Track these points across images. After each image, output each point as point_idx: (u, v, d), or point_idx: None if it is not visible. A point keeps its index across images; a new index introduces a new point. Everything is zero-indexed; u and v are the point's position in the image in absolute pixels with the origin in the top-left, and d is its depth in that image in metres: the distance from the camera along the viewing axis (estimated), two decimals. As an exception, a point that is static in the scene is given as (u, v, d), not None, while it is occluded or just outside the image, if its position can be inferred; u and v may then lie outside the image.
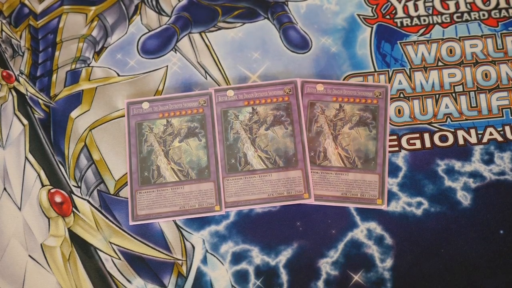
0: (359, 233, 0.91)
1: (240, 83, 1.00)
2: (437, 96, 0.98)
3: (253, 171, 0.93)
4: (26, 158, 0.97)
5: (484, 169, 0.94)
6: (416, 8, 1.04)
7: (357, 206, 0.92)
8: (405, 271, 0.89)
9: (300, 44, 1.03)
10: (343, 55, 1.01)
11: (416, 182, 0.93)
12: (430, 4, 1.04)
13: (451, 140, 0.96)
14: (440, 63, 1.00)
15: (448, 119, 0.97)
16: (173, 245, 0.92)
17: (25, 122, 0.99)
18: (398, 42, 1.02)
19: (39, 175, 0.96)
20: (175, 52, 1.03)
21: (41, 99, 1.01)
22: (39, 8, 1.06)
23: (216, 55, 1.03)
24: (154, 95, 1.00)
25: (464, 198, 0.92)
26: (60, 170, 0.97)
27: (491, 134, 0.96)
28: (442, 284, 0.88)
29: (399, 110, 0.98)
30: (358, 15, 1.04)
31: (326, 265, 0.90)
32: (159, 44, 1.04)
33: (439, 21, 1.03)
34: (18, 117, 1.00)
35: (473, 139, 0.96)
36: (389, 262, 0.90)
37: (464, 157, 0.95)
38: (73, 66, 1.02)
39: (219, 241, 0.92)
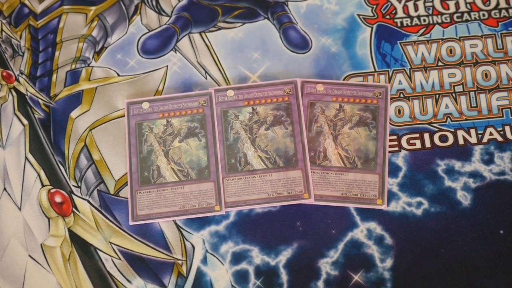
0: (359, 233, 0.91)
1: (240, 83, 1.00)
2: (437, 96, 0.98)
3: (253, 171, 0.93)
4: (26, 158, 0.97)
5: (484, 169, 0.94)
6: (416, 8, 1.04)
7: (357, 206, 0.92)
8: (405, 271, 0.89)
9: (300, 44, 1.03)
10: (343, 55, 1.01)
11: (416, 182, 0.93)
12: (430, 4, 1.04)
13: (451, 140, 0.96)
14: (440, 63, 1.00)
15: (448, 119, 0.97)
16: (173, 245, 0.92)
17: (25, 122, 0.99)
18: (398, 42, 1.02)
19: (39, 175, 0.96)
20: (175, 52, 1.03)
21: (41, 99, 1.01)
22: (39, 8, 1.06)
23: (216, 55, 1.03)
24: (154, 95, 1.00)
25: (464, 198, 0.92)
26: (60, 170, 0.97)
27: (491, 134, 0.96)
28: (442, 284, 0.88)
29: (399, 110, 0.98)
30: (358, 15, 1.04)
31: (326, 265, 0.90)
32: (159, 44, 1.04)
33: (439, 21, 1.03)
34: (18, 117, 1.00)
35: (473, 139, 0.96)
36: (389, 262, 0.90)
37: (464, 157, 0.95)
38: (73, 66, 1.02)
39: (219, 241, 0.92)
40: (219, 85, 1.00)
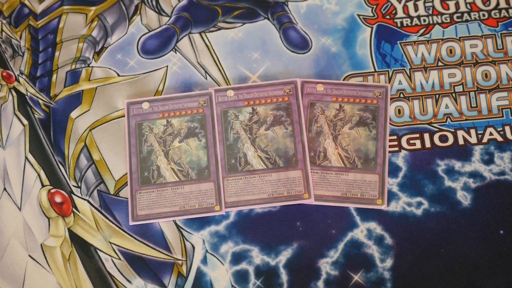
0: (359, 233, 0.91)
1: (240, 83, 1.00)
2: (437, 96, 0.98)
3: (253, 171, 0.93)
4: (26, 158, 0.97)
5: (484, 169, 0.94)
6: (416, 8, 1.04)
7: (357, 206, 0.92)
8: (405, 271, 0.89)
9: (300, 44, 1.03)
10: (343, 55, 1.01)
11: (416, 182, 0.93)
12: (430, 4, 1.04)
13: (451, 140, 0.96)
14: (440, 63, 1.00)
15: (448, 119, 0.97)
16: (173, 245, 0.92)
17: (25, 122, 0.99)
18: (398, 42, 1.02)
19: (39, 175, 0.96)
20: (175, 52, 1.03)
21: (41, 99, 1.01)
22: (39, 8, 1.06)
23: (216, 55, 1.03)
24: (154, 95, 1.00)
25: (464, 198, 0.92)
26: (60, 170, 0.97)
27: (491, 134, 0.96)
28: (442, 284, 0.88)
29: (399, 110, 0.98)
30: (358, 15, 1.04)
31: (326, 265, 0.90)
32: (159, 44, 1.04)
33: (439, 21, 1.03)
34: (18, 117, 1.00)
35: (473, 139, 0.96)
36: (389, 262, 0.90)
37: (464, 157, 0.95)
38: (73, 66, 1.02)
39: (219, 241, 0.92)
40: (219, 85, 1.00)
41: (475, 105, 0.98)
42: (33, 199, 0.95)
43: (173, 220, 0.93)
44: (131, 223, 0.92)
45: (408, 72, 1.00)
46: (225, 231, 0.92)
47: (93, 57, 1.03)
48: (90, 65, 1.03)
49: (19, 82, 1.02)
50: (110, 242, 0.92)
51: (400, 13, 1.04)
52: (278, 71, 1.01)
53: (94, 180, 0.96)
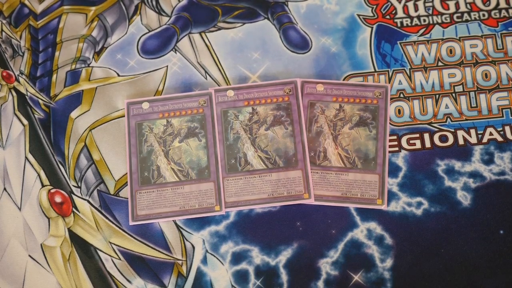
0: (359, 233, 0.91)
1: (240, 83, 1.00)
2: (437, 96, 0.98)
3: (253, 171, 0.93)
4: (26, 158, 0.97)
5: (484, 169, 0.94)
6: (416, 8, 1.04)
7: (357, 206, 0.92)
8: (405, 271, 0.89)
9: (300, 44, 1.03)
10: (343, 55, 1.01)
11: (416, 182, 0.93)
12: (430, 4, 1.04)
13: (451, 140, 0.96)
14: (440, 63, 1.00)
15: (448, 119, 0.97)
16: (173, 245, 0.92)
17: (25, 122, 0.99)
18: (398, 42, 1.02)
19: (39, 175, 0.96)
20: (175, 52, 1.03)
21: (41, 99, 1.01)
22: (39, 8, 1.06)
23: (216, 55, 1.03)
24: (154, 95, 1.00)
25: (464, 198, 0.92)
26: (60, 170, 0.97)
27: (491, 134, 0.96)
28: (442, 284, 0.88)
29: (399, 110, 0.98)
30: (358, 15, 1.04)
31: (326, 265, 0.90)
32: (159, 44, 1.04)
33: (439, 21, 1.03)
34: (18, 117, 1.00)
35: (473, 139, 0.96)
36: (389, 262, 0.90)
37: (464, 157, 0.95)
38: (73, 66, 1.02)
39: (219, 241, 0.92)
40: (219, 85, 1.00)
41: (475, 105, 0.98)
42: (33, 199, 0.95)
43: (173, 220, 0.93)
44: (131, 223, 0.92)
45: (408, 72, 1.00)
46: (225, 231, 0.92)
47: (93, 57, 1.03)
48: (90, 65, 1.03)
49: (19, 82, 1.02)
50: (110, 242, 0.92)
51: (400, 13, 1.04)
52: (278, 71, 1.01)
53: (94, 180, 0.96)
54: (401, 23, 1.03)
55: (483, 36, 1.02)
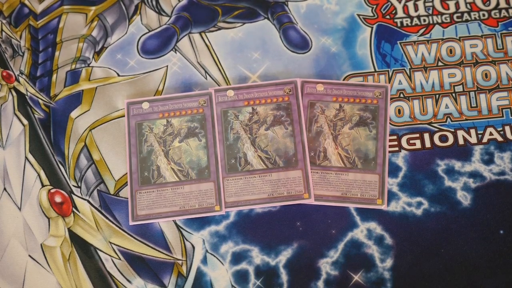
0: (359, 233, 0.91)
1: (240, 83, 1.00)
2: (437, 96, 0.98)
3: (253, 171, 0.93)
4: (26, 158, 0.97)
5: (484, 169, 0.94)
6: (416, 8, 1.04)
7: (357, 206, 0.92)
8: (405, 271, 0.89)
9: (300, 44, 1.03)
10: (343, 55, 1.01)
11: (416, 182, 0.93)
12: (430, 4, 1.04)
13: (451, 140, 0.96)
14: (440, 63, 1.00)
15: (448, 119, 0.97)
16: (173, 245, 0.92)
17: (25, 122, 0.99)
18: (398, 42, 1.02)
19: (39, 175, 0.96)
20: (175, 52, 1.03)
21: (41, 99, 1.01)
22: (39, 8, 1.06)
23: (216, 55, 1.03)
24: (154, 95, 1.00)
25: (464, 198, 0.92)
26: (60, 170, 0.97)
27: (491, 134, 0.96)
28: (442, 284, 0.88)
29: (399, 110, 0.98)
30: (358, 15, 1.04)
31: (326, 265, 0.90)
32: (159, 44, 1.04)
33: (439, 21, 1.03)
34: (18, 117, 1.00)
35: (473, 139, 0.96)
36: (389, 262, 0.90)
37: (464, 157, 0.95)
38: (73, 66, 1.02)
39: (219, 241, 0.92)
40: (219, 85, 1.00)
41: (475, 105, 0.98)
42: (33, 199, 0.95)
43: (173, 220, 0.93)
44: (131, 223, 0.92)
45: (408, 72, 1.00)
46: (225, 231, 0.92)
47: (93, 57, 1.03)
48: (90, 65, 1.03)
49: (19, 82, 1.02)
50: (110, 242, 0.92)
51: (400, 13, 1.04)
52: (278, 71, 1.01)
53: (94, 180, 0.96)
54: (401, 23, 1.03)
55: (483, 36, 1.02)
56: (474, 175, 0.93)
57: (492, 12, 1.03)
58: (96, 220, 0.94)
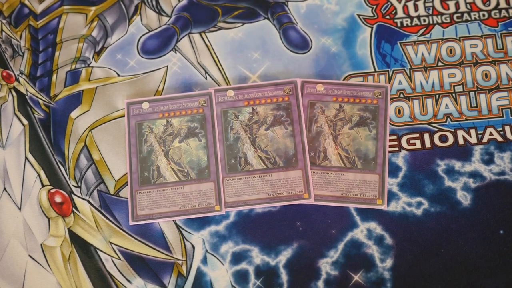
0: (359, 233, 0.91)
1: (240, 83, 1.00)
2: (437, 96, 0.98)
3: (253, 171, 0.93)
4: (26, 158, 0.97)
5: (484, 169, 0.94)
6: (416, 8, 1.04)
7: (357, 206, 0.92)
8: (405, 271, 0.89)
9: (300, 44, 1.03)
10: (343, 55, 1.01)
11: (416, 182, 0.93)
12: (430, 4, 1.04)
13: (451, 140, 0.96)
14: (440, 63, 1.00)
15: (448, 119, 0.97)
16: (173, 245, 0.92)
17: (25, 122, 0.99)
18: (398, 42, 1.02)
19: (39, 175, 0.96)
20: (175, 52, 1.03)
21: (41, 99, 1.01)
22: (39, 8, 1.06)
23: (216, 55, 1.03)
24: (154, 95, 1.00)
25: (464, 198, 0.92)
26: (60, 170, 0.97)
27: (491, 134, 0.96)
28: (442, 284, 0.88)
29: (399, 110, 0.98)
30: (358, 15, 1.04)
31: (326, 265, 0.90)
32: (159, 44, 1.04)
33: (439, 21, 1.03)
34: (18, 117, 1.00)
35: (473, 139, 0.96)
36: (389, 262, 0.90)
37: (464, 157, 0.95)
38: (73, 66, 1.02)
39: (219, 241, 0.92)
40: (219, 85, 1.00)
41: (475, 105, 0.98)
42: (33, 199, 0.95)
43: (173, 220, 0.93)
44: (131, 223, 0.92)
45: (408, 72, 1.00)
46: (225, 231, 0.92)
47: (93, 57, 1.03)
48: (90, 65, 1.03)
49: (19, 82, 1.02)
50: (110, 242, 0.92)
51: (400, 13, 1.04)
52: (278, 71, 1.01)
53: (94, 180, 0.96)
54: (401, 23, 1.03)
55: (483, 36, 1.02)
56: (474, 175, 0.93)
57: (492, 12, 1.03)
58: (96, 220, 0.94)
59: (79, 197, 0.95)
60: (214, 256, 0.91)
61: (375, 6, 1.05)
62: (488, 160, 0.94)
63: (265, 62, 1.02)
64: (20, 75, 1.02)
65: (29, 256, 0.92)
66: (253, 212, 0.93)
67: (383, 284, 0.89)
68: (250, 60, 1.02)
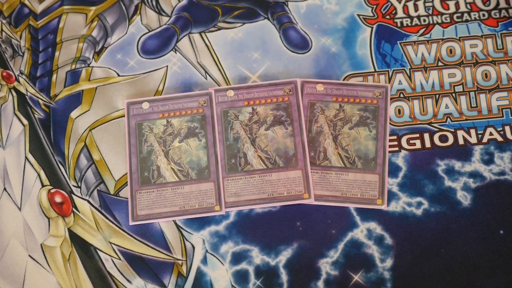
0: (359, 233, 0.91)
1: (240, 83, 1.00)
2: (437, 96, 0.98)
3: (253, 171, 0.93)
4: (26, 158, 0.97)
5: (484, 169, 0.94)
6: (416, 8, 1.04)
7: (357, 206, 0.92)
8: (405, 271, 0.89)
9: (300, 44, 1.03)
10: (343, 55, 1.01)
11: (416, 182, 0.93)
12: (430, 4, 1.04)
13: (451, 140, 0.96)
14: (440, 63, 1.00)
15: (448, 119, 0.97)
16: (173, 245, 0.92)
17: (25, 122, 0.99)
18: (398, 42, 1.02)
19: (39, 175, 0.96)
20: (175, 52, 1.03)
21: (41, 99, 1.01)
22: (39, 8, 1.06)
23: (216, 55, 1.03)
24: (154, 95, 1.00)
25: (464, 198, 0.92)
26: (60, 170, 0.97)
27: (491, 134, 0.96)
28: (442, 284, 0.88)
29: (399, 110, 0.98)
30: (358, 15, 1.04)
31: (326, 265, 0.90)
32: (159, 44, 1.04)
33: (439, 21, 1.03)
34: (18, 117, 1.00)
35: (473, 139, 0.96)
36: (389, 262, 0.90)
37: (464, 157, 0.95)
38: (73, 66, 1.02)
39: (219, 241, 0.92)
40: (219, 85, 1.00)
41: (475, 105, 0.98)
42: (33, 199, 0.95)
43: (173, 220, 0.93)
44: (131, 223, 0.92)
45: (408, 72, 1.00)
46: (225, 231, 0.92)
47: (93, 57, 1.03)
48: (90, 65, 1.03)
49: (19, 82, 1.02)
50: (110, 242, 0.92)
51: (400, 13, 1.04)
52: (278, 71, 1.01)
53: (94, 180, 0.96)
54: (401, 23, 1.03)
55: (483, 36, 1.02)
56: (474, 175, 0.93)
57: (492, 12, 1.03)
58: (96, 220, 0.94)
59: (79, 197, 0.95)
60: (214, 256, 0.91)
61: (375, 6, 1.05)
62: (488, 160, 0.94)
63: (265, 62, 1.02)
64: (20, 75, 1.02)
65: (29, 256, 0.92)
66: (253, 212, 0.93)
67: (383, 284, 0.89)
68: (250, 60, 1.02)
